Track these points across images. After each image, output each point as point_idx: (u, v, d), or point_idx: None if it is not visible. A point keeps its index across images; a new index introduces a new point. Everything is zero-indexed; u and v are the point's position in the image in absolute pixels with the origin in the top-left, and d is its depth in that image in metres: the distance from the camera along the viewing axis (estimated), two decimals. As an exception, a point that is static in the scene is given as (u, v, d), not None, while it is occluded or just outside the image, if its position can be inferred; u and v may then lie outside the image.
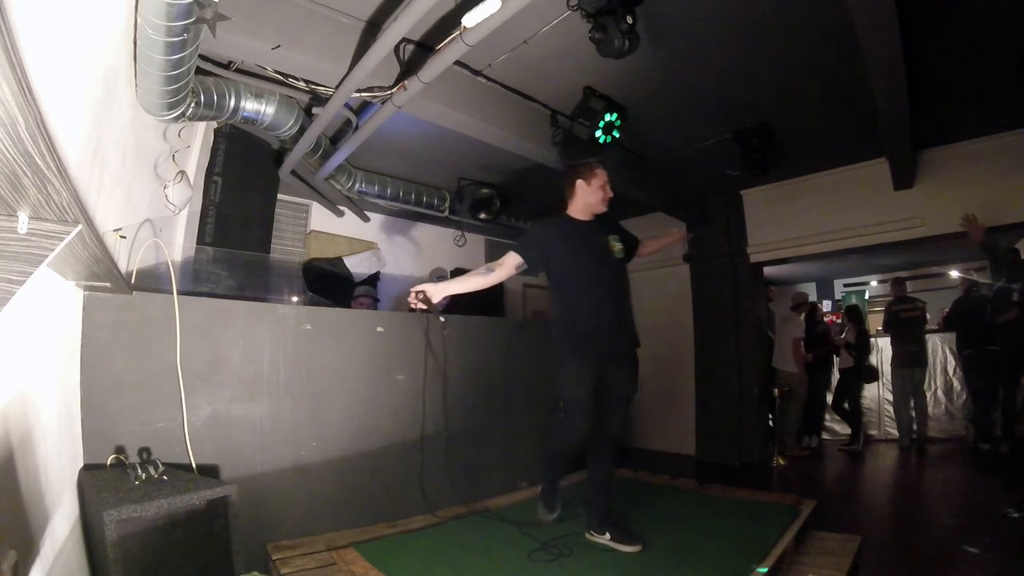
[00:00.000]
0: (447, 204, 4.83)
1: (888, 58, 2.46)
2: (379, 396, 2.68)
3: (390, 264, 5.21)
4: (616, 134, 3.26)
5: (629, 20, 2.30)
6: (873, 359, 5.66)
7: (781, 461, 4.71)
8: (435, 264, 5.54)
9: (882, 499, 3.74)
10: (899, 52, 2.41)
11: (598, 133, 3.20)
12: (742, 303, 5.13)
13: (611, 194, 2.35)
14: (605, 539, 2.23)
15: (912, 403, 5.04)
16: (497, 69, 3.01)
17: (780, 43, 2.76)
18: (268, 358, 2.30)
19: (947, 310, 5.73)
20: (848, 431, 5.36)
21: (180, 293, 2.01)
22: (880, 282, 9.03)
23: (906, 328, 5.16)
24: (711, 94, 3.31)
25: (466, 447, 2.99)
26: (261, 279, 3.50)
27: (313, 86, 2.78)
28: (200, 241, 3.07)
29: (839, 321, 6.46)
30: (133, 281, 1.95)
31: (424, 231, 5.66)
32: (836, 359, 5.60)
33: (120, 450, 1.82)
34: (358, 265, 4.83)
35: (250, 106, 2.70)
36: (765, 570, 1.87)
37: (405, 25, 2.17)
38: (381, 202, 4.56)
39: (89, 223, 0.94)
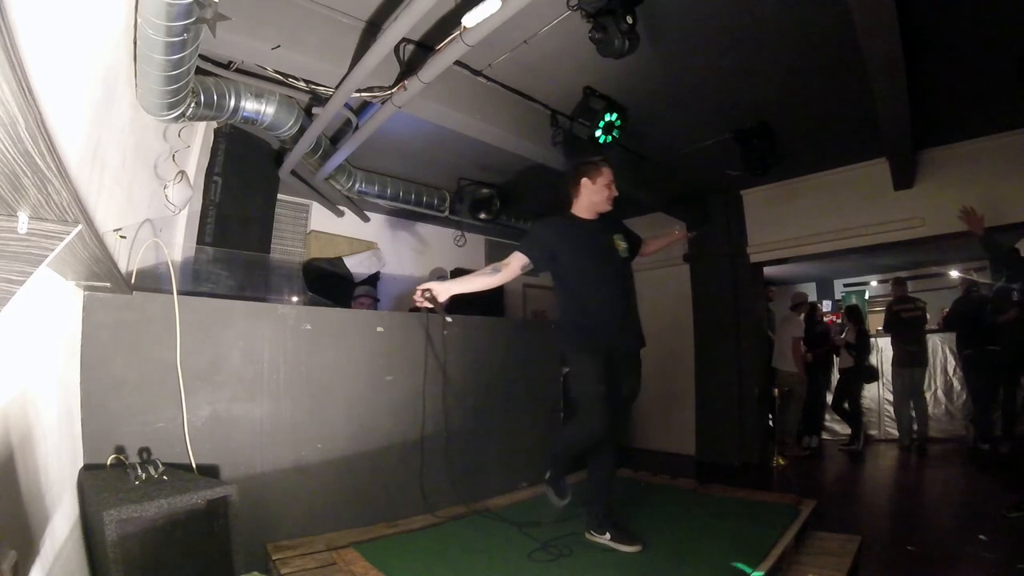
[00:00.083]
0: (447, 204, 4.83)
1: (888, 58, 2.45)
2: (379, 396, 2.68)
3: (390, 264, 5.21)
4: (616, 134, 3.26)
5: (629, 20, 2.30)
6: (873, 359, 5.65)
7: (781, 461, 4.71)
8: (435, 264, 5.54)
9: (882, 499, 3.74)
10: (899, 52, 2.41)
11: (598, 133, 3.20)
12: (742, 303, 5.13)
13: (616, 193, 2.34)
14: (605, 539, 2.22)
15: (912, 403, 5.04)
16: (497, 69, 3.01)
17: (780, 43, 2.76)
18: (268, 358, 2.30)
19: (947, 310, 5.73)
20: (848, 431, 5.36)
21: (180, 293, 2.01)
22: (880, 282, 9.03)
23: (907, 328, 5.15)
24: (711, 94, 3.31)
25: (466, 447, 2.99)
26: (261, 279, 3.50)
27: (313, 86, 2.78)
28: (200, 241, 3.07)
29: (839, 321, 6.46)
30: (133, 281, 1.95)
31: (424, 231, 5.66)
32: (836, 359, 5.60)
33: (120, 450, 1.82)
34: (358, 265, 4.83)
35: (250, 106, 2.70)
36: (761, 574, 1.87)
37: (405, 25, 2.17)
38: (381, 202, 4.57)
39: (89, 223, 0.94)
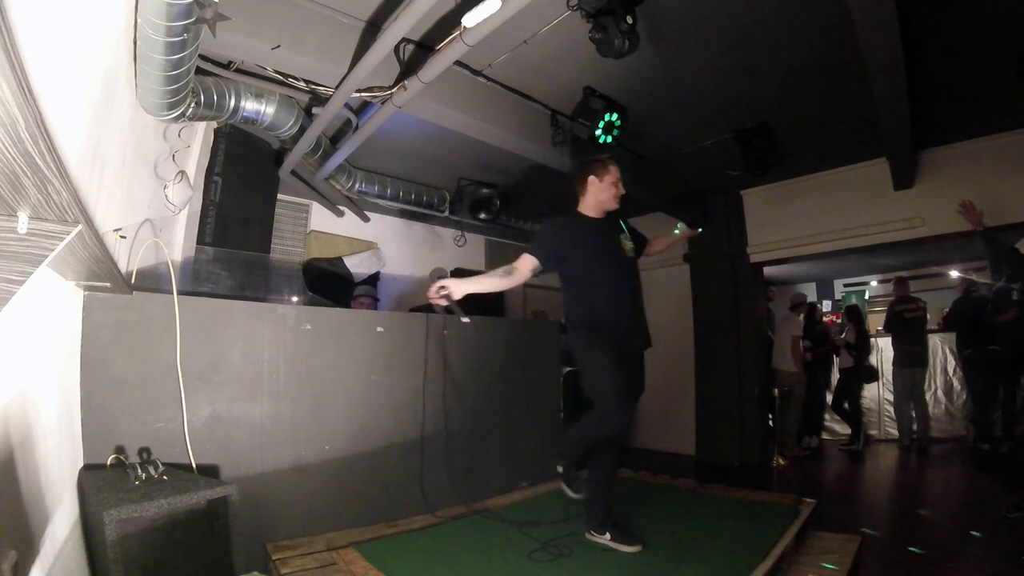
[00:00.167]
0: (447, 204, 4.83)
1: (888, 58, 2.46)
2: (379, 396, 2.68)
3: (390, 264, 5.21)
4: (616, 134, 3.26)
5: (629, 20, 2.30)
6: (873, 359, 5.65)
7: (781, 461, 4.72)
8: (435, 264, 5.52)
9: (882, 499, 3.74)
10: (899, 52, 2.41)
11: (598, 133, 3.20)
12: (742, 303, 5.14)
13: (623, 191, 2.34)
14: (605, 539, 2.22)
15: (912, 403, 5.04)
16: (497, 69, 3.01)
17: (780, 43, 2.76)
18: (268, 358, 2.30)
19: (947, 310, 5.73)
20: (848, 431, 5.36)
21: (180, 293, 2.01)
22: (880, 282, 9.03)
23: (908, 328, 5.14)
24: (711, 94, 3.31)
25: (466, 447, 2.99)
26: (261, 279, 3.50)
27: (313, 86, 2.78)
28: (200, 241, 3.07)
29: (839, 321, 6.46)
30: (133, 281, 1.95)
31: (424, 231, 5.66)
32: (836, 359, 5.61)
33: (120, 450, 1.81)
34: (358, 265, 4.83)
35: (250, 106, 2.70)
36: None
37: (405, 25, 2.17)
38: (381, 202, 4.57)
39: (89, 223, 0.94)
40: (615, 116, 3.23)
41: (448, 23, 2.44)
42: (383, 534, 2.38)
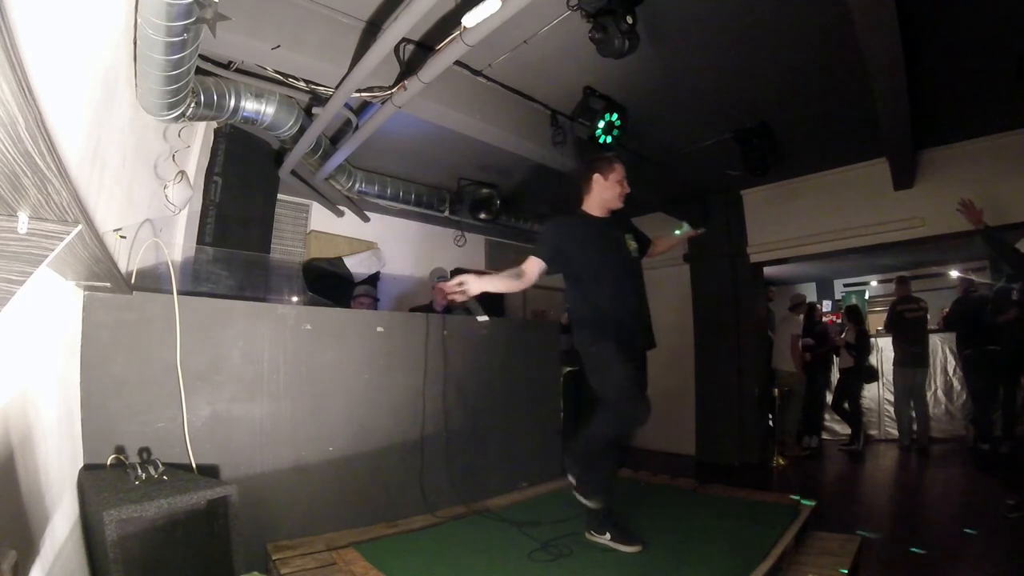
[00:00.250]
0: (447, 204, 4.83)
1: (888, 58, 2.46)
2: (379, 396, 2.68)
3: (390, 264, 5.21)
4: (616, 134, 3.26)
5: (629, 20, 2.30)
6: (873, 359, 5.65)
7: (781, 461, 4.71)
8: (435, 264, 5.53)
9: (882, 499, 3.74)
10: (899, 52, 2.41)
11: (598, 133, 3.20)
12: (742, 303, 5.14)
13: (628, 189, 2.33)
14: (605, 539, 2.22)
15: (913, 403, 5.04)
16: (497, 69, 3.01)
17: (780, 43, 2.76)
18: (268, 358, 2.30)
19: (947, 310, 5.73)
20: (848, 431, 5.36)
21: (180, 293, 2.01)
22: (880, 282, 9.03)
23: (910, 328, 5.13)
24: (711, 94, 3.31)
25: (466, 447, 2.99)
26: (261, 279, 3.50)
27: (313, 86, 2.78)
28: (200, 241, 3.07)
29: (839, 321, 6.46)
30: (133, 281, 1.95)
31: (424, 231, 5.66)
32: (836, 359, 5.60)
33: (120, 450, 1.81)
34: (358, 265, 4.83)
35: (250, 106, 2.70)
36: None
37: (405, 25, 2.17)
38: (381, 202, 4.57)
39: (89, 223, 0.94)
40: (615, 116, 3.23)
41: (448, 23, 2.44)
42: (383, 534, 2.38)
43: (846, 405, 5.39)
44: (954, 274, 6.66)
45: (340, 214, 4.94)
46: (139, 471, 1.56)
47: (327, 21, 2.55)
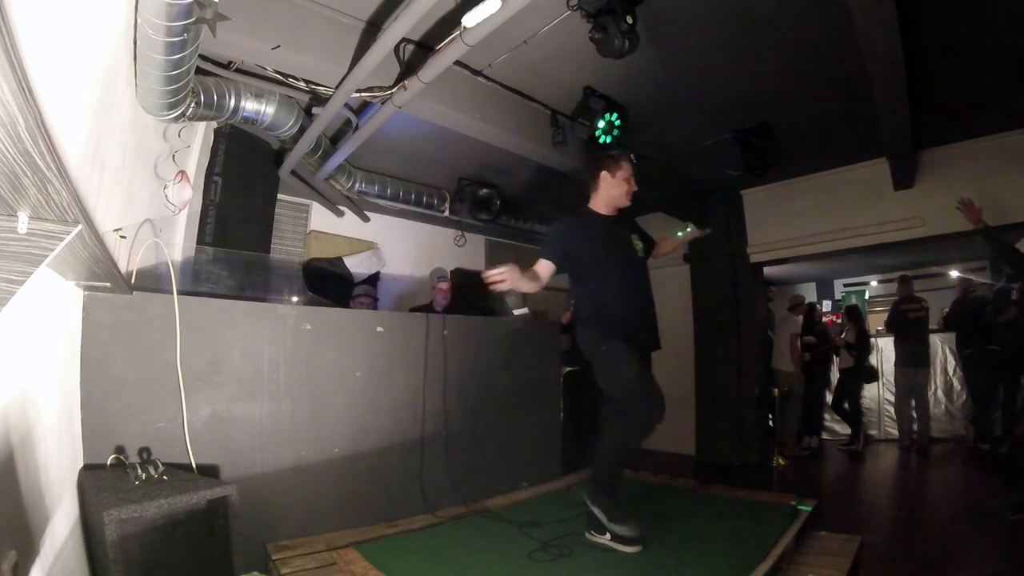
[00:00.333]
0: (447, 204, 4.83)
1: (888, 58, 2.46)
2: (379, 396, 2.68)
3: (390, 264, 5.21)
4: (616, 134, 3.26)
5: (629, 20, 2.30)
6: (873, 359, 5.65)
7: (781, 461, 4.71)
8: (435, 264, 5.53)
9: (882, 499, 3.74)
10: (899, 52, 2.41)
11: (598, 133, 3.20)
12: (742, 303, 5.14)
13: (635, 187, 2.32)
14: (605, 539, 2.22)
15: (914, 403, 5.04)
16: (497, 69, 3.01)
17: (780, 43, 2.76)
18: (268, 358, 2.30)
19: (947, 310, 5.73)
20: (848, 431, 5.36)
21: (180, 293, 2.01)
22: (880, 282, 9.03)
23: (912, 328, 5.11)
24: (711, 94, 3.31)
25: (466, 447, 2.99)
26: (261, 279, 3.50)
27: (313, 86, 2.78)
28: (200, 241, 3.07)
29: (839, 321, 6.46)
30: (133, 281, 1.95)
31: (424, 231, 5.66)
32: (836, 359, 5.60)
33: (120, 450, 1.81)
34: (358, 265, 4.83)
35: (250, 106, 2.70)
36: None
37: (405, 25, 2.17)
38: (381, 202, 4.57)
39: (89, 223, 0.94)
40: (615, 116, 3.23)
41: (448, 23, 2.44)
42: (383, 534, 2.38)
43: (846, 405, 5.39)
44: (954, 274, 6.67)
45: (340, 214, 4.94)
46: (139, 471, 1.56)
47: (327, 21, 2.56)
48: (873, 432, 5.64)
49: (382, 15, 2.57)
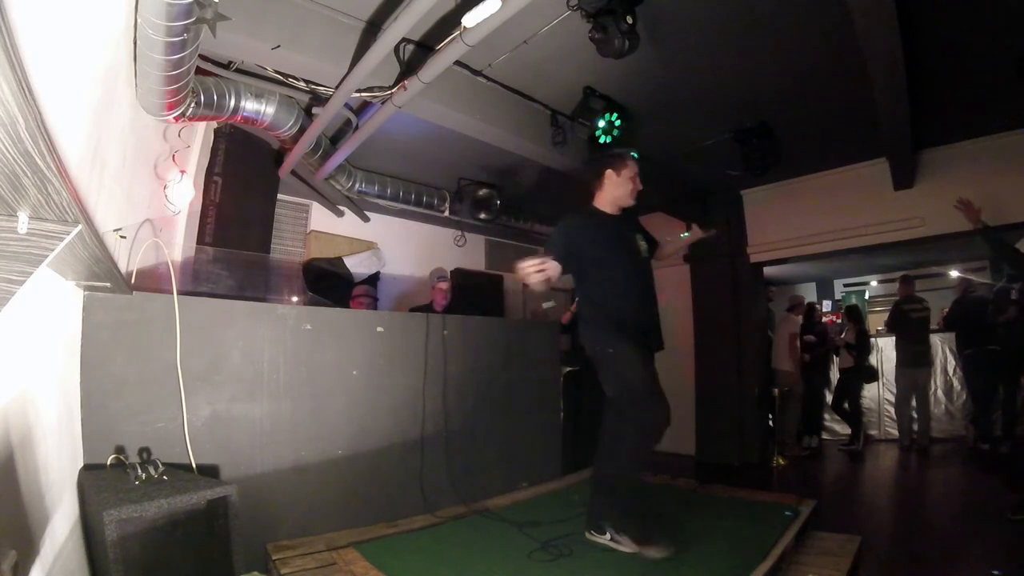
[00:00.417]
0: (447, 204, 4.83)
1: (888, 58, 2.46)
2: (379, 396, 2.68)
3: (390, 264, 5.21)
4: (616, 134, 3.26)
5: (629, 20, 2.30)
6: (873, 359, 5.65)
7: (781, 461, 4.71)
8: (435, 264, 5.54)
9: (882, 499, 3.74)
10: (899, 52, 2.41)
11: (598, 133, 3.20)
12: (742, 303, 5.14)
13: (640, 186, 2.32)
14: (605, 539, 2.22)
15: (915, 403, 5.03)
16: (497, 69, 3.01)
17: (780, 43, 2.76)
18: (268, 358, 2.30)
19: (947, 310, 5.73)
20: (848, 431, 5.36)
21: (180, 293, 2.01)
22: (880, 282, 9.03)
23: (914, 328, 5.10)
24: (711, 94, 3.31)
25: (466, 447, 2.99)
26: (261, 279, 3.50)
27: (313, 86, 2.78)
28: (200, 241, 3.07)
29: (839, 321, 6.46)
30: (133, 281, 1.95)
31: (424, 231, 5.66)
32: (836, 359, 5.60)
33: (120, 450, 1.81)
34: (358, 265, 4.83)
35: (250, 106, 2.70)
36: None
37: (405, 25, 2.17)
38: (381, 202, 4.57)
39: (89, 223, 0.94)
40: (615, 116, 3.23)
41: (448, 23, 2.44)
42: (383, 534, 2.38)
43: (846, 405, 5.39)
44: (954, 274, 6.66)
45: (340, 214, 4.94)
46: (139, 471, 1.56)
47: (327, 21, 2.55)
48: (873, 432, 5.64)
49: (382, 15, 2.56)
